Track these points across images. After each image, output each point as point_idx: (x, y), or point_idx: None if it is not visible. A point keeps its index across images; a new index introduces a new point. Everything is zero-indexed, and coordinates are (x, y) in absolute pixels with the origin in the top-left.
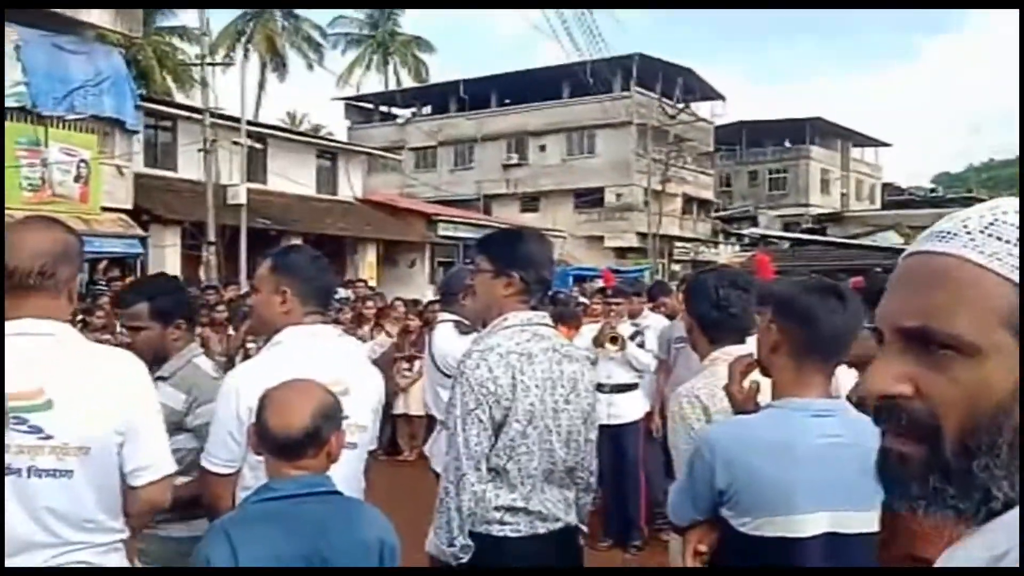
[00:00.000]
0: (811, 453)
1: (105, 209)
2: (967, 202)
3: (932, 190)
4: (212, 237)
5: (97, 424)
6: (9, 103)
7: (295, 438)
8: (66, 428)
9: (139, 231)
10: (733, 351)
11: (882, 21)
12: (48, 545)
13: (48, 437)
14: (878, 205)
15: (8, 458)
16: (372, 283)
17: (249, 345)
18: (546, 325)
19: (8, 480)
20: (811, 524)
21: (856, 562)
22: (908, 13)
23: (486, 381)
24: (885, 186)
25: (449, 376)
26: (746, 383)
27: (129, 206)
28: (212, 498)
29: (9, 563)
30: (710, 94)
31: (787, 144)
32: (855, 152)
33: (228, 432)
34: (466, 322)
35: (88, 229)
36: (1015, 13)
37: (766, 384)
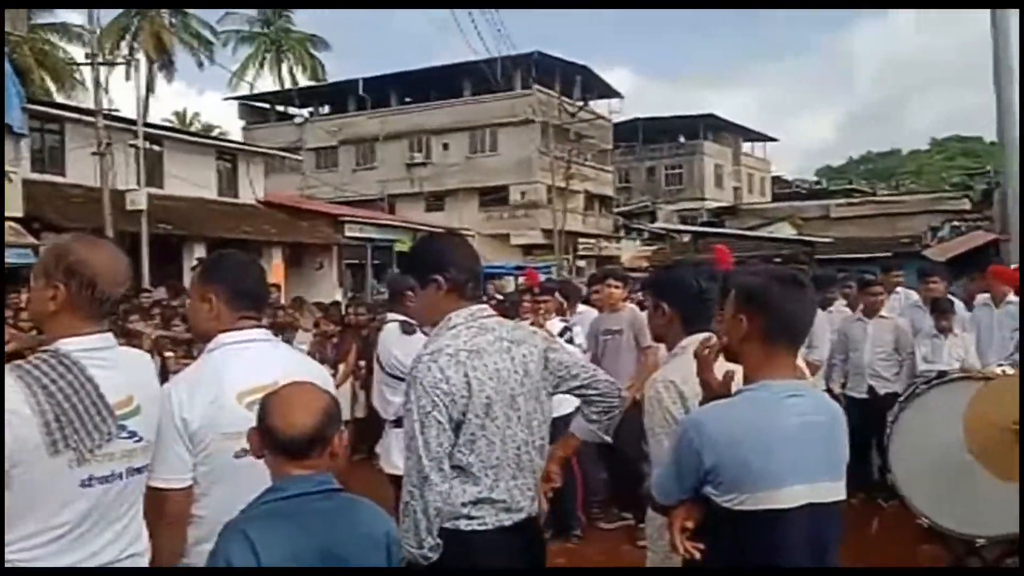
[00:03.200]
0: (789, 432)
1: None
2: (849, 193)
3: (816, 182)
4: None
5: (155, 422)
6: None
7: (301, 439)
8: (148, 429)
9: (31, 240)
10: (697, 338)
11: (781, 16)
12: (129, 530)
13: (140, 439)
14: (768, 198)
15: (112, 465)
16: (279, 287)
17: (167, 354)
18: (489, 316)
19: (111, 485)
20: (793, 496)
21: (832, 528)
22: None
23: (439, 383)
24: (774, 179)
25: (395, 377)
26: (720, 371)
27: (20, 214)
28: (173, 517)
29: (92, 555)
30: (607, 92)
31: (682, 140)
32: (745, 147)
33: (170, 445)
34: (412, 322)
35: None
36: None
37: (738, 370)
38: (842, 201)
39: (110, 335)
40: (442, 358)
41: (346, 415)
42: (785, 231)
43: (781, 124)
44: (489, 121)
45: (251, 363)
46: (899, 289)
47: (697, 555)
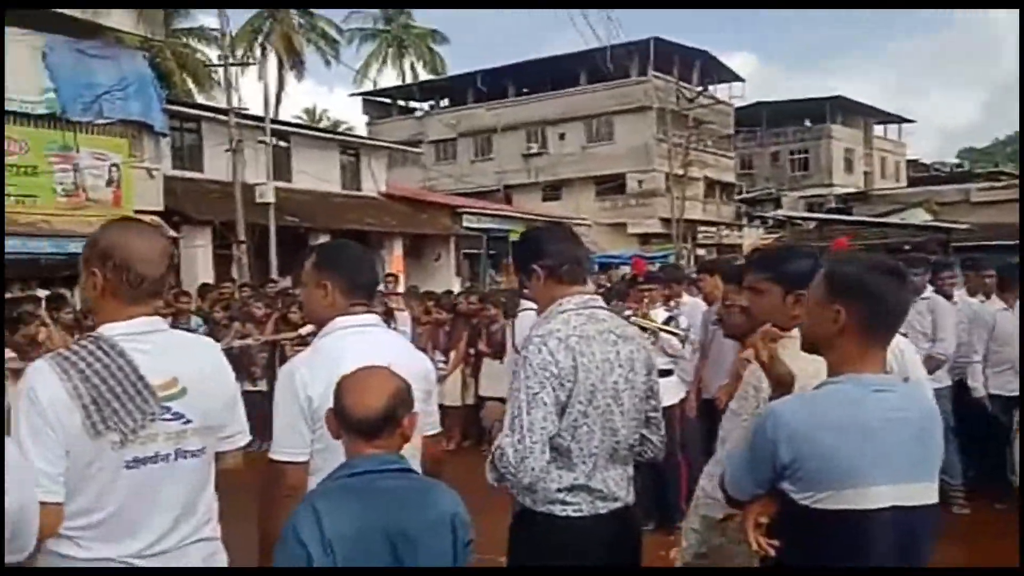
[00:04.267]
0: (875, 428)
1: (137, 212)
2: (994, 177)
3: (958, 165)
4: (242, 236)
5: (220, 404)
6: (38, 110)
7: (373, 419)
8: (201, 411)
9: (171, 232)
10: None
11: None
12: (194, 514)
13: (189, 421)
14: (903, 183)
15: (156, 446)
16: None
17: (284, 341)
18: (600, 308)
19: (158, 467)
20: (877, 497)
21: (919, 534)
22: None
23: (548, 364)
24: (910, 163)
25: None
26: (795, 363)
27: (160, 208)
28: (288, 489)
29: (157, 540)
30: (728, 76)
31: (808, 124)
32: (878, 130)
33: (293, 422)
34: None
35: None
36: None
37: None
38: (984, 185)
39: (157, 318)
40: (552, 341)
41: (457, 402)
42: (919, 217)
43: (919, 105)
44: (605, 109)
45: (367, 347)
46: None
47: (772, 552)
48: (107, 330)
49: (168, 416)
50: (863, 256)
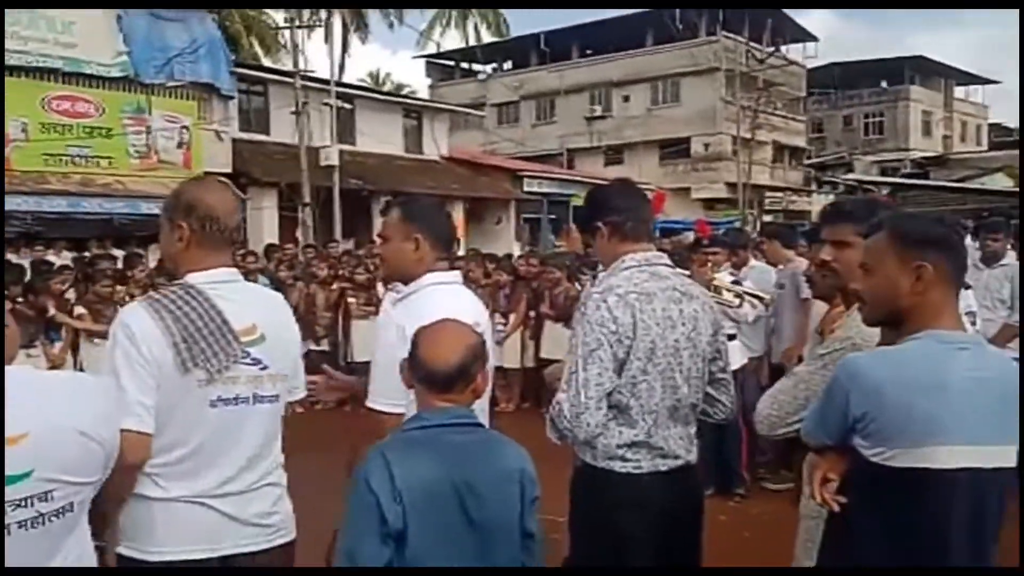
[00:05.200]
0: (954, 386)
1: (207, 173)
2: None
3: None
4: (307, 198)
5: (290, 354)
6: (113, 72)
7: (447, 373)
8: (275, 358)
9: (239, 194)
10: None
11: None
12: (265, 458)
13: (265, 367)
14: (984, 147)
15: (237, 388)
16: (459, 240)
17: (350, 300)
18: (664, 265)
19: (238, 408)
20: (951, 457)
21: (993, 497)
22: None
23: (606, 321)
24: (992, 127)
25: None
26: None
27: (228, 170)
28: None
29: (229, 479)
30: (801, 36)
31: (884, 85)
32: (959, 91)
33: (397, 375)
34: None
35: None
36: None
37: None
38: None
39: (235, 270)
40: (611, 297)
41: (516, 364)
42: (1001, 183)
43: (1004, 65)
44: (671, 71)
45: (457, 302)
46: None
47: (837, 507)
48: (192, 278)
49: (248, 360)
50: (908, 211)
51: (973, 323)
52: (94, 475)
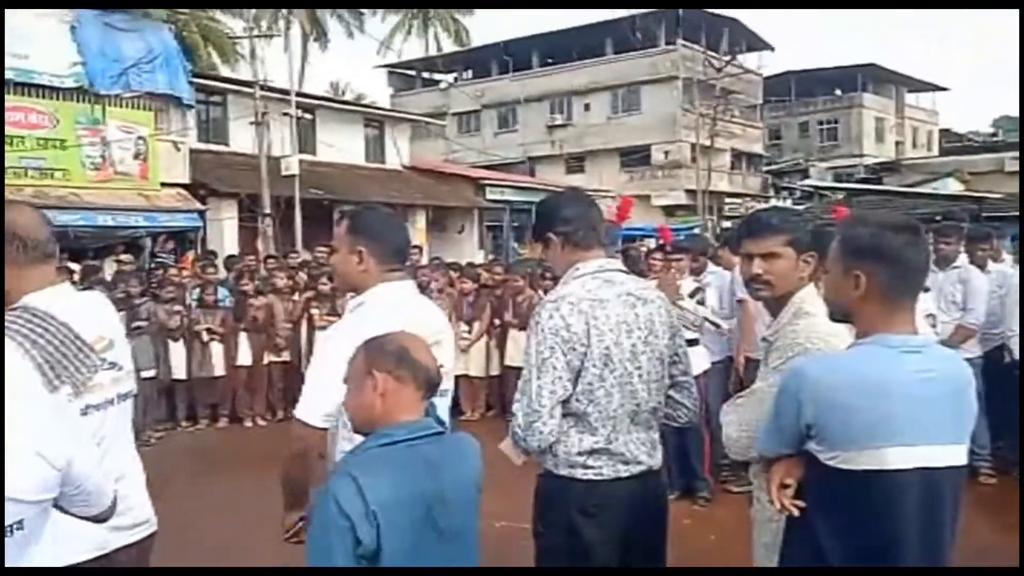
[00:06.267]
0: (903, 388)
1: (164, 185)
2: None
3: (992, 134)
4: (268, 209)
5: (128, 348)
6: (67, 83)
7: (439, 377)
8: (123, 356)
9: (197, 205)
10: None
11: None
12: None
13: (121, 368)
14: (935, 152)
15: (104, 393)
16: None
17: (312, 311)
18: (618, 271)
19: (106, 412)
20: (903, 458)
21: (945, 496)
22: None
23: (559, 329)
24: (943, 132)
25: None
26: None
27: (186, 181)
28: (307, 451)
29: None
30: (757, 44)
31: (838, 93)
32: (910, 98)
33: (331, 390)
34: None
35: (149, 205)
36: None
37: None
38: (1017, 154)
39: (63, 284)
40: (564, 306)
41: (481, 372)
42: (951, 187)
43: (952, 73)
44: (631, 79)
45: (405, 313)
46: None
47: (796, 512)
48: (30, 300)
49: (107, 366)
50: (874, 216)
51: (933, 325)
52: None
